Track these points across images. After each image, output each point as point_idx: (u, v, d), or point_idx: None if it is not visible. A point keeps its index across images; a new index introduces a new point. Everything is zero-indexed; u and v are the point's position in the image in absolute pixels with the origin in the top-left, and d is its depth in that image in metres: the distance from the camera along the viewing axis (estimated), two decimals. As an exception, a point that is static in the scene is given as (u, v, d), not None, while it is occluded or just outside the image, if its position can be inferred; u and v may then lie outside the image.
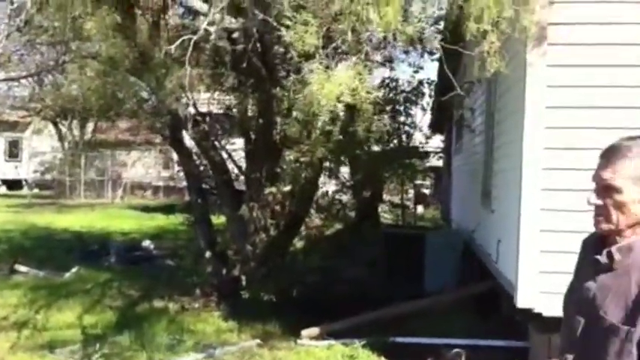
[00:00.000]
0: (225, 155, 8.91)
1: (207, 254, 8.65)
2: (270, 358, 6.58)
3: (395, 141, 9.55)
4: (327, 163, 8.85)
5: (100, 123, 25.64)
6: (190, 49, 4.80)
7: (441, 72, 11.66)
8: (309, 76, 4.30)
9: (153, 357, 6.54)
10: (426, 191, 26.07)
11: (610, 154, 2.00)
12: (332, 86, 4.15)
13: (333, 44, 4.43)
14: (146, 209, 21.35)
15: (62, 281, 10.22)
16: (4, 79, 13.03)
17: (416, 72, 8.42)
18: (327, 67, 4.33)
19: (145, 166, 27.00)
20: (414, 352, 6.12)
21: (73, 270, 10.80)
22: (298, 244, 10.65)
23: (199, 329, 7.62)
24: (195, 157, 8.98)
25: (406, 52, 7.98)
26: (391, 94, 8.28)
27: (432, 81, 8.54)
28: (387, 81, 8.26)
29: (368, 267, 10.06)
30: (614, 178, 1.97)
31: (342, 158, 8.64)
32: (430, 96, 9.11)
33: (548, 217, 5.23)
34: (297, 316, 7.50)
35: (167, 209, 17.19)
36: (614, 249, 2.00)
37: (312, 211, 10.63)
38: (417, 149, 18.83)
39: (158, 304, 8.69)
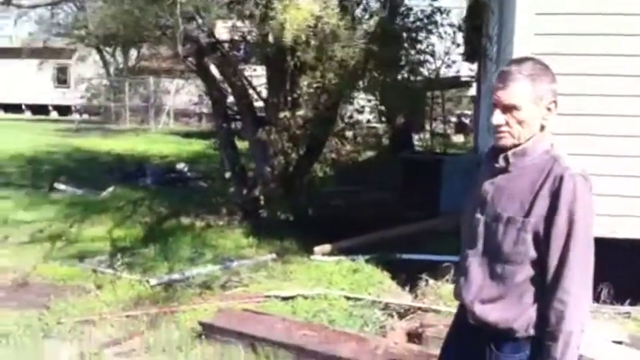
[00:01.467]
0: (247, 81, 9.20)
1: (228, 175, 9.07)
2: (281, 270, 6.99)
3: (421, 70, 9.64)
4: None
5: (143, 50, 25.98)
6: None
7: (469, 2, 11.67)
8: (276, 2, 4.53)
9: (173, 267, 7.03)
10: (467, 120, 26.13)
11: (506, 77, 2.26)
12: (295, 12, 4.36)
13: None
14: (187, 135, 21.90)
15: (98, 199, 10.83)
16: (45, 4, 13.32)
17: (434, 0, 8.45)
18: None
19: (188, 93, 27.42)
20: (416, 268, 6.43)
21: (110, 189, 11.38)
22: (325, 169, 11.03)
23: (220, 244, 8.08)
24: (219, 84, 9.28)
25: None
26: (406, 22, 8.34)
27: (446, 9, 8.55)
28: (401, 9, 8.31)
29: (387, 191, 10.39)
30: (513, 98, 2.23)
31: (363, 85, 8.78)
32: (451, 25, 9.14)
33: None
34: (313, 235, 7.86)
35: (206, 135, 17.67)
36: (510, 153, 2.28)
37: (348, 137, 10.95)
38: (457, 78, 18.84)
39: (185, 221, 9.18)
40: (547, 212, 2.18)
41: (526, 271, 2.24)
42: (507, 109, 2.24)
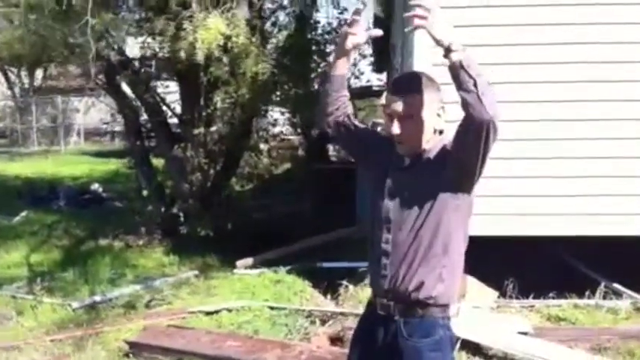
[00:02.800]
0: (159, 98, 9.23)
1: (146, 194, 9.07)
2: (205, 286, 7.06)
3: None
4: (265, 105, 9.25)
5: (50, 70, 25.35)
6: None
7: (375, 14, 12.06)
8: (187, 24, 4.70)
9: (94, 289, 6.99)
10: (379, 129, 26.76)
11: (398, 90, 2.52)
12: (205, 33, 4.55)
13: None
14: (99, 154, 21.50)
15: (11, 224, 10.56)
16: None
17: (340, 13, 8.77)
18: (207, 16, 4.74)
19: (100, 111, 26.85)
20: (336, 275, 6.65)
21: (22, 214, 11.12)
22: (242, 183, 11.14)
23: (141, 264, 8.08)
24: (132, 101, 9.27)
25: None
26: (314, 36, 8.62)
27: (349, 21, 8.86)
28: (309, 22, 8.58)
29: (304, 202, 10.61)
30: (407, 109, 2.48)
31: (275, 99, 8.96)
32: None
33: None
34: (234, 249, 7.96)
35: (120, 154, 17.39)
36: (414, 155, 2.55)
37: (263, 151, 11.07)
38: (368, 88, 19.26)
39: (103, 242, 9.12)
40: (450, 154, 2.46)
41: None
42: (403, 119, 2.49)
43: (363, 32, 2.56)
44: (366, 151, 2.74)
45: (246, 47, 5.80)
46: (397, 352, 2.56)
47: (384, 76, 18.02)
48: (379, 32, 2.64)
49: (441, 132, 2.56)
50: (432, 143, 2.54)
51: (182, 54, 5.16)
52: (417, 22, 2.30)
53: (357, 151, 2.85)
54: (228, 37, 5.04)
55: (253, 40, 6.03)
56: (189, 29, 4.73)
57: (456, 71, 2.27)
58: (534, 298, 5.90)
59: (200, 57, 5.15)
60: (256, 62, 6.38)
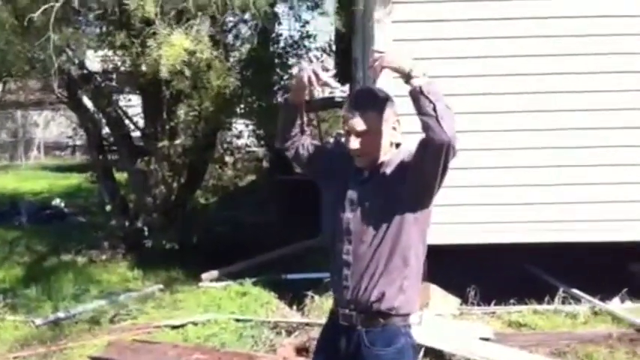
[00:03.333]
0: (121, 112, 9.20)
1: (109, 208, 9.02)
2: (170, 300, 7.04)
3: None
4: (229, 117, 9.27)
5: (9, 84, 24.94)
6: (53, 15, 5.13)
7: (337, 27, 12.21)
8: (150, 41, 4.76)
9: (58, 305, 6.92)
10: (343, 139, 26.92)
11: (354, 106, 2.59)
12: (169, 49, 4.62)
13: (173, 11, 4.90)
14: (60, 169, 21.23)
15: (-30, 241, 10.38)
16: None
17: (302, 26, 8.85)
18: (171, 32, 4.81)
19: (60, 125, 26.52)
20: (301, 286, 6.70)
21: (-18, 230, 10.94)
22: (207, 195, 11.11)
23: (105, 279, 8.01)
24: (93, 115, 9.22)
25: (291, 8, 8.40)
26: (276, 49, 8.70)
27: (313, 34, 9.00)
28: (272, 35, 8.65)
29: (269, 214, 10.64)
30: (363, 124, 2.57)
31: (239, 111, 8.99)
32: (321, 50, 9.60)
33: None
34: (199, 263, 7.95)
35: (82, 168, 17.21)
36: (374, 167, 2.62)
37: (228, 163, 11.07)
38: (331, 99, 19.44)
39: (66, 258, 9.00)
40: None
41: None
42: (359, 134, 2.57)
43: (321, 77, 2.62)
44: (326, 170, 2.79)
45: (210, 62, 5.85)
46: None
47: (347, 87, 18.22)
48: (335, 85, 2.73)
49: (397, 145, 2.65)
50: (389, 155, 2.62)
51: (144, 69, 5.20)
52: (377, 65, 2.45)
53: (315, 174, 2.89)
54: (192, 53, 5.09)
55: (216, 54, 6.07)
56: (154, 46, 4.77)
57: (416, 96, 2.37)
58: (496, 304, 6.03)
59: (164, 73, 5.18)
60: (219, 76, 6.43)
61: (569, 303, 5.98)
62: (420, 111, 2.37)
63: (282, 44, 8.91)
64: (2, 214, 12.55)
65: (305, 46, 8.94)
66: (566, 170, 6.00)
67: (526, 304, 6.01)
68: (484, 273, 5.89)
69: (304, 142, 2.83)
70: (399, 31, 5.66)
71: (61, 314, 6.53)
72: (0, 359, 5.34)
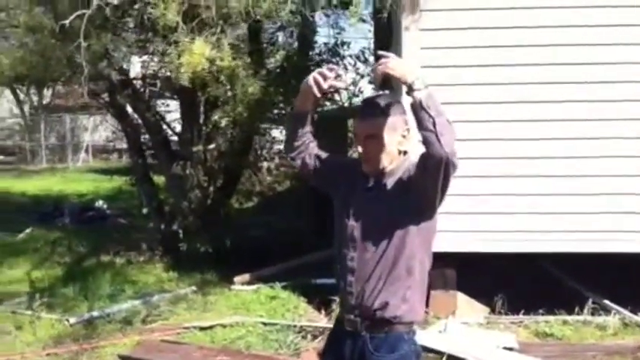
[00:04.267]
0: (160, 116, 9.40)
1: (147, 211, 9.21)
2: (202, 302, 7.16)
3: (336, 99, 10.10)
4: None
5: (58, 88, 25.64)
6: (84, 21, 5.30)
7: (376, 33, 12.25)
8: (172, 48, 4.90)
9: (93, 305, 7.09)
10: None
11: (365, 112, 2.63)
12: (190, 57, 4.74)
13: (197, 19, 5.02)
14: (106, 172, 21.66)
15: (14, 241, 10.71)
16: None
17: (338, 33, 8.93)
18: (193, 39, 4.93)
19: (107, 129, 27.11)
20: (329, 291, 6.72)
21: (27, 230, 11.27)
22: (242, 200, 11.25)
23: (141, 280, 8.16)
24: (133, 120, 9.44)
25: (327, 15, 8.48)
26: (312, 55, 8.79)
27: (347, 42, 9.07)
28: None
29: (302, 219, 10.72)
30: (372, 129, 2.60)
31: (273, 117, 9.09)
32: (356, 57, 9.70)
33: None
34: (233, 266, 8.07)
35: (125, 171, 17.54)
36: (379, 175, 2.65)
37: (262, 168, 11.20)
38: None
39: (105, 258, 9.19)
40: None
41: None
42: (367, 139, 2.62)
43: (329, 78, 2.63)
44: (333, 179, 2.83)
45: (233, 69, 5.96)
46: None
47: (387, 92, 18.15)
48: (341, 85, 2.77)
49: (405, 152, 2.68)
50: (395, 164, 2.66)
51: (172, 75, 5.36)
52: (379, 68, 2.46)
53: (323, 183, 2.92)
54: (212, 61, 5.21)
55: (240, 62, 6.18)
56: (174, 54, 4.91)
57: (417, 110, 2.41)
58: (524, 314, 5.98)
59: (185, 80, 5.31)
60: (246, 83, 6.53)
61: (599, 314, 5.89)
62: (420, 125, 2.40)
63: (316, 51, 8.98)
64: (46, 215, 12.90)
65: (339, 54, 9.00)
66: (601, 180, 5.90)
67: (555, 314, 5.94)
68: (513, 282, 5.85)
69: (311, 152, 2.87)
70: (427, 39, 5.68)
71: (95, 313, 6.69)
72: (33, 356, 5.51)
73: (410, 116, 2.57)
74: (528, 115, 5.88)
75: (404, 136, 2.66)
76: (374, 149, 2.62)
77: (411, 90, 2.41)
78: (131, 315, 6.70)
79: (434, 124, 2.35)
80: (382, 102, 2.66)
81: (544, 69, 5.81)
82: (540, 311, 5.97)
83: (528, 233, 6.01)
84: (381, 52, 2.52)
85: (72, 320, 6.42)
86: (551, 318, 5.89)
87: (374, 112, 2.63)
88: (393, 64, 2.46)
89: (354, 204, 2.69)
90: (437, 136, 2.35)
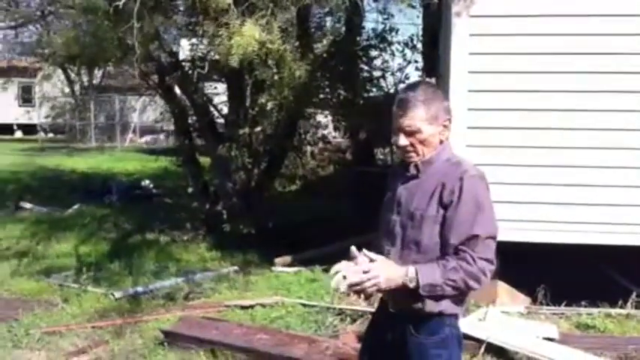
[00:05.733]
0: (207, 99, 9.51)
1: (190, 191, 9.35)
2: (243, 281, 7.28)
3: (381, 85, 10.08)
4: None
5: (108, 68, 26.07)
6: (138, 3, 5.38)
7: (425, 20, 12.14)
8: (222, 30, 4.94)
9: (138, 281, 7.27)
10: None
11: (403, 104, 2.62)
12: (240, 39, 4.77)
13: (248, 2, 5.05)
14: (153, 152, 22.02)
15: (63, 216, 11.00)
16: (8, 27, 13.47)
17: (387, 19, 8.89)
18: (243, 22, 4.96)
19: (156, 110, 27.45)
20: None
21: (75, 207, 11.56)
22: (285, 183, 11.34)
23: (185, 258, 8.33)
24: (181, 101, 9.57)
25: (375, 0, 8.46)
26: (359, 41, 8.77)
27: (395, 28, 9.01)
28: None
29: (346, 204, 10.75)
30: (413, 123, 2.59)
31: (319, 102, 9.13)
32: (403, 43, 9.64)
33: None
34: (274, 248, 8.16)
35: (172, 152, 17.81)
36: (419, 162, 2.65)
37: (306, 152, 11.25)
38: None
39: (150, 236, 9.41)
40: (453, 206, 2.54)
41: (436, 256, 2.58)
42: (409, 132, 2.61)
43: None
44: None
45: (281, 53, 5.98)
46: (405, 348, 2.68)
47: (433, 81, 18.05)
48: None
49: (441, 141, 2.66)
50: (438, 154, 2.65)
51: (221, 57, 5.41)
52: (369, 290, 2.54)
53: None
54: (262, 43, 5.24)
55: (288, 46, 6.21)
56: (225, 35, 4.95)
57: (427, 295, 2.53)
58: (566, 305, 5.91)
59: (234, 62, 5.36)
60: (294, 67, 6.56)
61: (644, 308, 5.79)
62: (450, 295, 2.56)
63: (364, 36, 8.96)
64: (94, 193, 13.20)
65: (387, 40, 8.95)
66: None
67: (598, 306, 5.86)
68: (556, 273, 5.78)
69: None
70: (477, 26, 5.61)
71: (139, 289, 6.86)
72: (79, 328, 5.68)
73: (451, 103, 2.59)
74: (580, 105, 5.78)
75: (445, 126, 2.64)
76: (416, 142, 2.61)
77: (407, 286, 2.52)
78: (174, 291, 6.85)
79: (454, 288, 2.52)
80: (422, 92, 2.61)
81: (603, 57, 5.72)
82: (583, 303, 5.89)
83: (573, 224, 5.93)
84: (356, 267, 2.58)
85: (117, 295, 6.59)
86: (593, 310, 5.81)
87: (413, 104, 2.59)
88: (385, 284, 2.52)
89: (397, 197, 2.70)
90: (462, 291, 2.55)
